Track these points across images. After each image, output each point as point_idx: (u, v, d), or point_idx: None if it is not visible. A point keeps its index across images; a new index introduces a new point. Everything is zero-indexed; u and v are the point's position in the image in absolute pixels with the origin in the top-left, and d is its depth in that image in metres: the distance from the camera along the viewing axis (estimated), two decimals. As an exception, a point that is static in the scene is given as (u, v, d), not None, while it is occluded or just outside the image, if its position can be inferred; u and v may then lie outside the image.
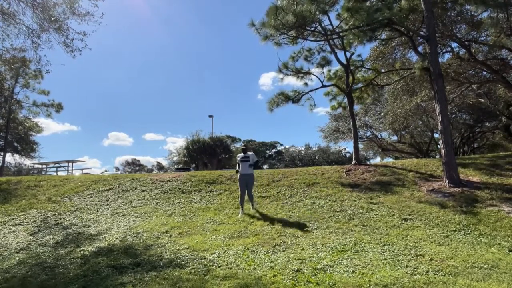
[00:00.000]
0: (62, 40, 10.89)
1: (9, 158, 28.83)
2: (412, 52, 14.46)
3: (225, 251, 5.62)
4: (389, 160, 30.92)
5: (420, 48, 13.23)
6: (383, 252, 5.41)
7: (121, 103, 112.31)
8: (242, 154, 8.50)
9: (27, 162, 30.96)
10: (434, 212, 7.51)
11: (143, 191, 10.57)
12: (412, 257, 5.18)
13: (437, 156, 25.25)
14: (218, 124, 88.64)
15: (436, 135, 24.90)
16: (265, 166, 52.53)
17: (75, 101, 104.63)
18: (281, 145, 57.00)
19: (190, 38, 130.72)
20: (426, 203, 8.17)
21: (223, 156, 34.10)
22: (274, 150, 57.14)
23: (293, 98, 13.34)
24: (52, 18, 10.59)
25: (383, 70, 15.46)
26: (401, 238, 6.12)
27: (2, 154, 26.12)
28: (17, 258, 5.95)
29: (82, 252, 6.01)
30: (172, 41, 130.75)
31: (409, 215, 7.44)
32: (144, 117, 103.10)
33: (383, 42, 14.51)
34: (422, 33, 11.30)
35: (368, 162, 26.73)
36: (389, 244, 5.80)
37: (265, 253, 5.45)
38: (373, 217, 7.41)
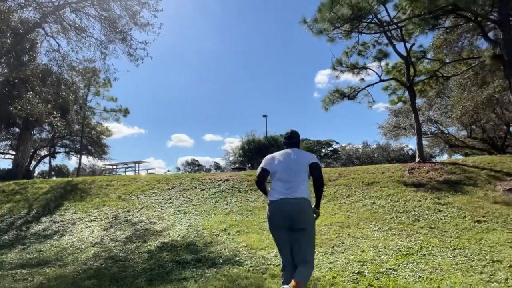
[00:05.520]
0: (126, 50, 11.75)
1: (85, 160, 31.79)
2: (481, 39, 13.21)
3: (283, 250, 5.60)
4: (458, 157, 28.57)
5: (490, 34, 12.03)
6: (454, 257, 5.01)
7: (182, 106, 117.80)
8: (283, 152, 3.60)
9: (99, 163, 33.87)
10: (513, 214, 6.78)
11: (202, 190, 10.97)
12: (488, 262, 4.72)
13: (514, 152, 22.77)
14: (273, 123, 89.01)
15: (512, 129, 22.48)
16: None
17: (142, 106, 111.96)
18: (337, 143, 55.48)
19: (244, 39, 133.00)
20: (503, 203, 7.40)
21: (278, 155, 34.13)
22: (330, 149, 55.87)
23: (349, 94, 12.91)
24: (117, 30, 11.45)
25: (448, 60, 14.33)
26: (474, 242, 5.61)
27: (78, 156, 28.87)
28: (92, 251, 6.52)
29: (148, 247, 6.40)
30: (227, 42, 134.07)
31: (483, 216, 6.80)
32: (203, 119, 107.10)
33: (448, 30, 13.44)
34: (493, 17, 10.27)
35: (433, 160, 24.97)
36: (461, 248, 5.35)
37: (323, 253, 5.34)
38: (441, 219, 6.90)
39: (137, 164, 28.22)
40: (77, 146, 30.30)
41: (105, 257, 6.09)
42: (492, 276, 4.26)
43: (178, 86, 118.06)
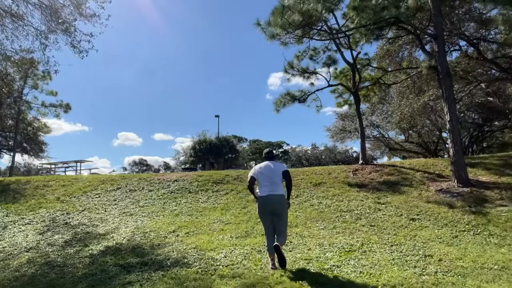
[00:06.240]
0: (69, 41, 10.98)
1: (18, 158, 29.20)
2: (419, 50, 14.33)
3: (232, 250, 5.62)
4: (396, 160, 30.68)
5: (427, 47, 13.10)
6: (391, 253, 5.38)
7: (130, 103, 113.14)
8: (265, 163, 5.11)
9: (36, 162, 31.33)
10: (442, 212, 7.44)
11: (150, 190, 10.63)
12: (421, 257, 5.13)
13: (445, 156, 24.99)
14: (226, 124, 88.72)
15: (444, 135, 24.64)
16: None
17: (87, 102, 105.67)
18: (288, 144, 56.90)
19: (198, 39, 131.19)
20: (435, 203, 8.09)
21: (230, 156, 34.16)
22: (280, 150, 57.04)
23: (299, 98, 13.30)
24: (60, 20, 10.68)
25: (389, 69, 15.34)
26: (409, 238, 6.07)
27: (11, 154, 26.46)
28: (26, 257, 6.02)
29: (90, 251, 6.06)
30: (180, 41, 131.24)
31: (417, 215, 7.37)
32: (153, 117, 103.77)
33: (390, 41, 14.39)
34: (429, 31, 11.20)
35: (375, 162, 26.57)
36: (397, 245, 5.75)
37: (272, 253, 5.44)
38: (380, 217, 7.36)
39: (78, 164, 26.58)
40: (10, 143, 27.77)
41: (41, 262, 5.66)
42: (424, 270, 4.64)
43: (127, 82, 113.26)
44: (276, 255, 4.63)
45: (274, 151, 5.45)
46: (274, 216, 4.84)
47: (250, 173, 5.12)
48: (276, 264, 4.69)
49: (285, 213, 4.91)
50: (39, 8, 10.67)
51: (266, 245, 4.91)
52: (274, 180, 4.89)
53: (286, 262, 4.65)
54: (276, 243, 4.64)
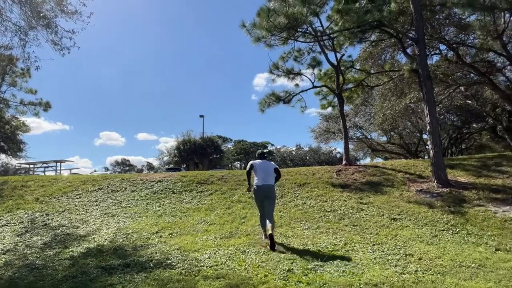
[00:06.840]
0: (50, 38, 10.70)
1: (-5, 158, 28.24)
2: (401, 53, 14.62)
3: (216, 251, 5.60)
4: (378, 161, 31.19)
5: (409, 50, 13.39)
6: (373, 252, 5.47)
7: (113, 102, 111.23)
8: (261, 161, 6.44)
9: (14, 162, 30.34)
10: (422, 212, 7.61)
11: (133, 191, 10.48)
12: (401, 256, 5.24)
13: (425, 157, 25.57)
14: (211, 124, 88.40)
15: (424, 136, 25.21)
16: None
17: (68, 100, 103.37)
18: (272, 145, 57.06)
19: (184, 38, 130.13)
20: (415, 203, 8.28)
21: (214, 156, 33.98)
22: (265, 151, 57.14)
23: (284, 98, 13.38)
24: (40, 15, 10.41)
25: (372, 71, 15.61)
26: (390, 238, 6.19)
27: (-12, 154, 25.60)
28: (3, 260, 5.84)
29: (70, 253, 5.93)
30: (165, 40, 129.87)
31: (398, 215, 7.53)
32: (136, 117, 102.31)
33: (373, 44, 14.64)
34: (411, 35, 11.45)
35: (358, 163, 26.93)
36: (379, 244, 5.86)
37: (256, 253, 5.45)
38: (363, 217, 7.48)
39: (58, 164, 25.94)
40: (-14, 142, 26.86)
41: (19, 265, 5.50)
42: (404, 268, 4.74)
43: (110, 81, 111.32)
44: (267, 232, 5.86)
45: (265, 152, 6.98)
46: (265, 199, 6.13)
47: (250, 162, 6.46)
48: (265, 239, 5.95)
49: (274, 198, 6.29)
50: (18, 3, 10.37)
51: (259, 221, 6.49)
52: (267, 173, 6.25)
53: (275, 247, 5.62)
54: (270, 231, 5.68)
